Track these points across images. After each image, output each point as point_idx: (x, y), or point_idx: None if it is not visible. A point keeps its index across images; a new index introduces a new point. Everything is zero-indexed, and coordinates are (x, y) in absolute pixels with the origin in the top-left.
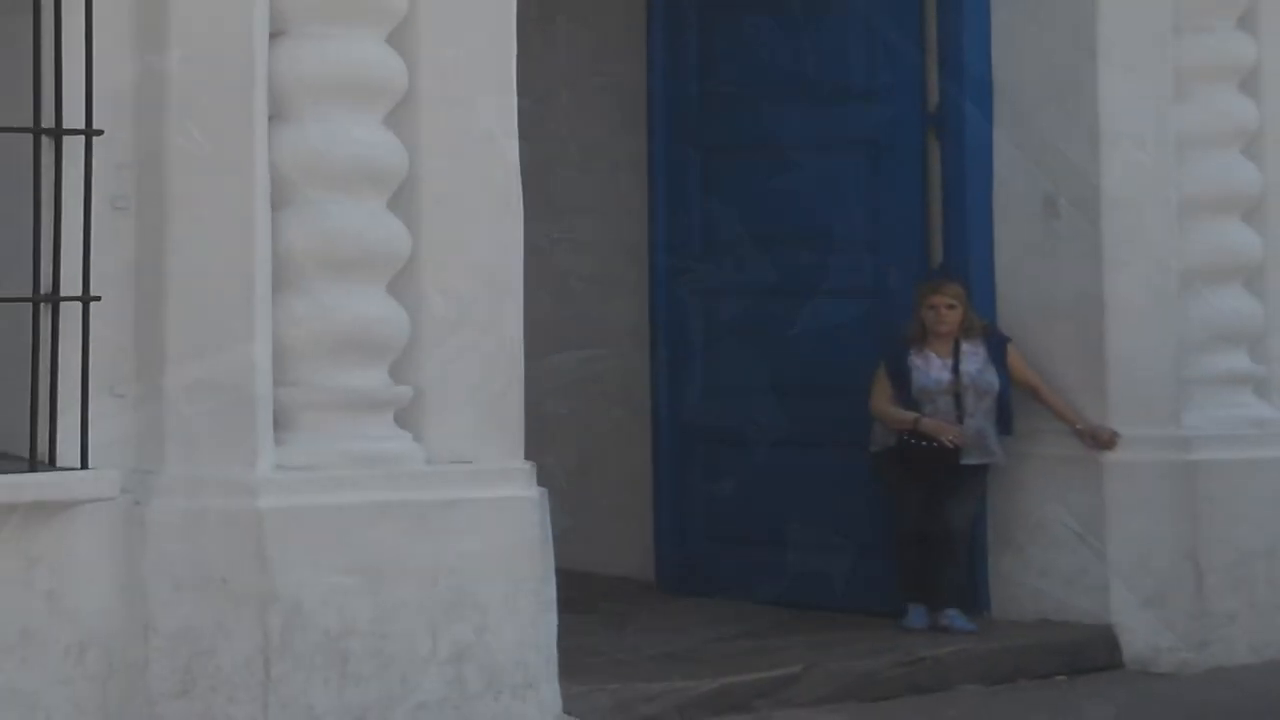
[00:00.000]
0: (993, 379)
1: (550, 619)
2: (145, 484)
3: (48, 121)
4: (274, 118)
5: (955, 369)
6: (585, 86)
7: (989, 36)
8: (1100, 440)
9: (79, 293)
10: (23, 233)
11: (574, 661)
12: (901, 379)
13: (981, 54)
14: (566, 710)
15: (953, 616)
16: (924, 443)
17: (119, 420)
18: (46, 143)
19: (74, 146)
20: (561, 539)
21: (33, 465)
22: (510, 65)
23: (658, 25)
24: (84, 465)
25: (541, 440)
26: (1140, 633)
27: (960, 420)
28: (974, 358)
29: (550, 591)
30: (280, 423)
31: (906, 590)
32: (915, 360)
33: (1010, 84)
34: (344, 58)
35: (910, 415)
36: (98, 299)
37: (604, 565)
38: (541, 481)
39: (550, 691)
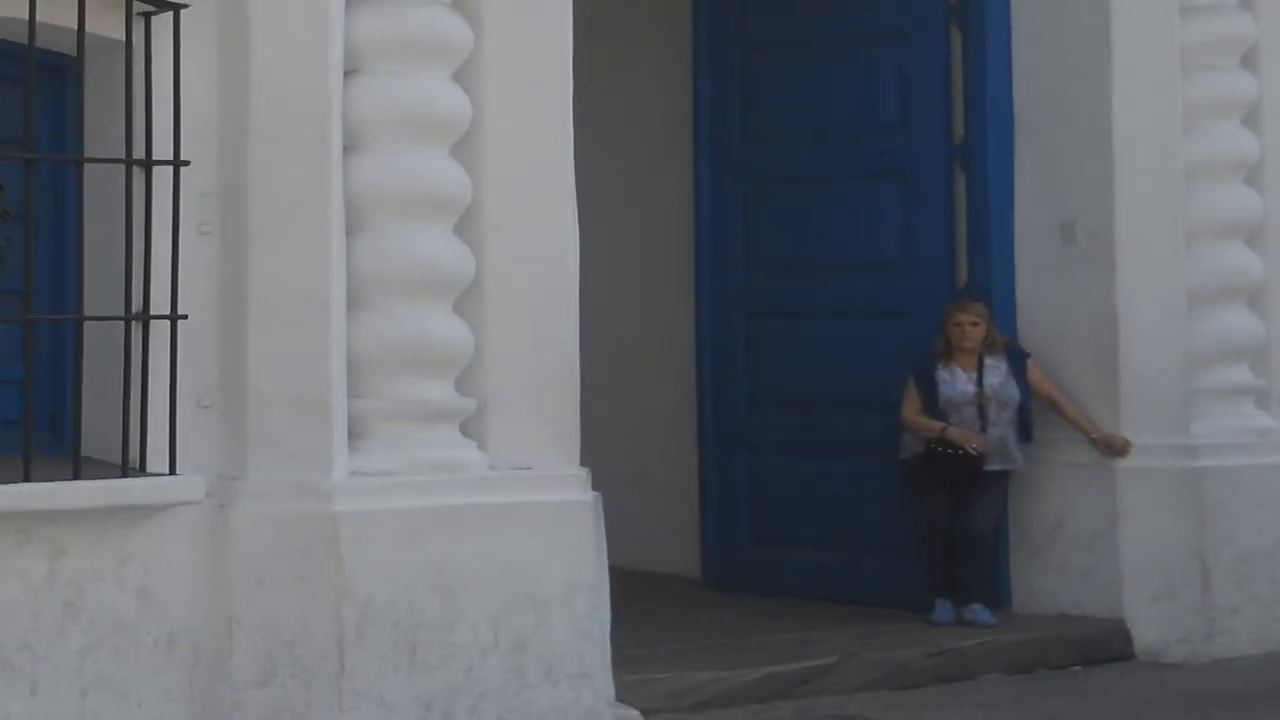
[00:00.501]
0: (1014, 391)
1: (604, 613)
2: (229, 489)
3: (139, 153)
4: (348, 149)
5: (979, 382)
6: (636, 123)
7: (1010, 75)
8: (1114, 448)
9: (168, 312)
10: (115, 256)
11: (626, 653)
12: (929, 391)
13: (1003, 91)
14: (619, 698)
15: (977, 611)
16: (950, 450)
17: (204, 429)
18: (137, 173)
19: (163, 176)
20: (614, 539)
21: (124, 471)
22: (567, 103)
23: (703, 68)
24: (172, 471)
25: (597, 448)
26: (1150, 626)
27: (984, 429)
28: (996, 371)
29: (604, 588)
30: (354, 432)
31: (934, 587)
32: (942, 374)
33: (1030, 119)
34: (413, 95)
35: (938, 425)
36: (185, 317)
37: (654, 564)
38: (596, 486)
39: (604, 681)
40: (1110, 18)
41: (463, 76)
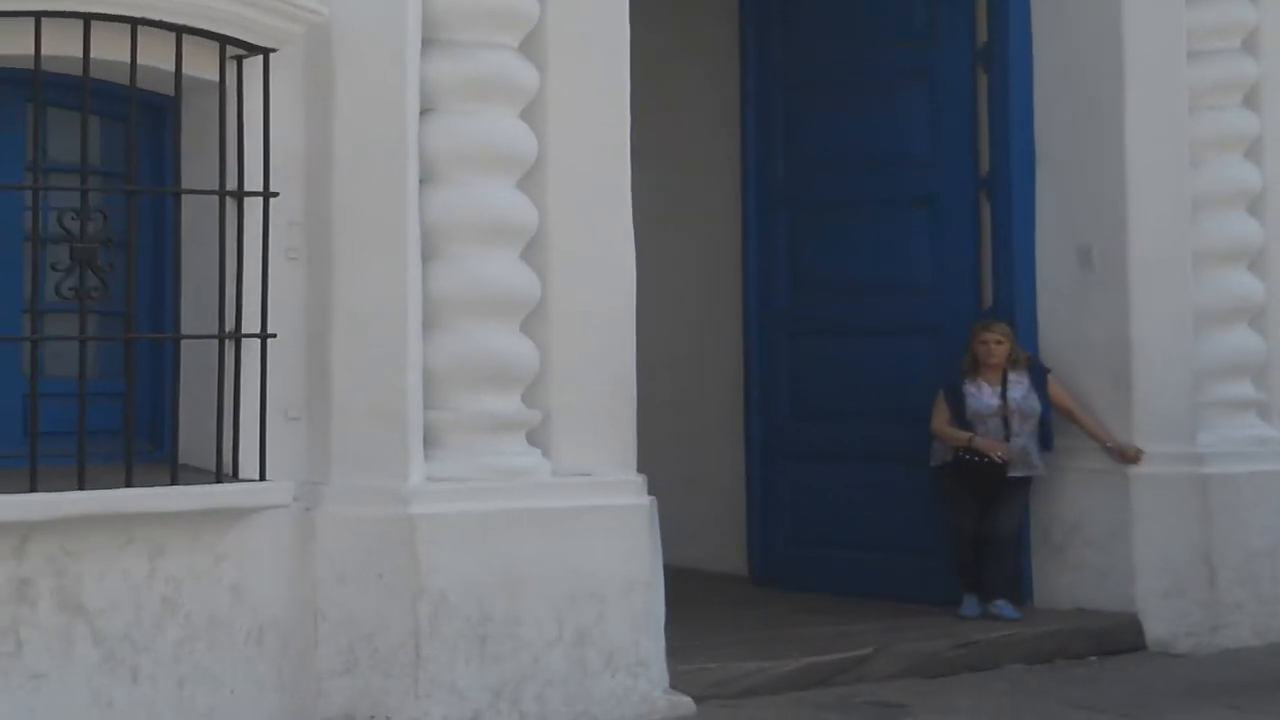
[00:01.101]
0: (1035, 404)
1: (659, 608)
2: (314, 493)
3: (231, 185)
4: (424, 182)
5: (1003, 395)
6: (688, 156)
7: (1032, 112)
8: (1127, 456)
9: (258, 331)
10: (210, 280)
11: (679, 644)
12: (957, 404)
13: (1025, 127)
14: (673, 686)
15: (1001, 606)
16: (977, 458)
17: (291, 439)
18: (230, 203)
19: (253, 206)
20: (668, 540)
21: (219, 477)
22: (624, 138)
23: (750, 105)
24: (262, 477)
25: (652, 456)
26: (1161, 620)
27: (1007, 439)
28: (1019, 386)
29: (659, 584)
30: (429, 441)
31: (962, 583)
32: (969, 388)
33: (1050, 153)
34: (484, 131)
35: (965, 435)
36: (274, 336)
37: (704, 563)
38: (651, 491)
39: (659, 670)
40: (1124, 60)
41: (529, 115)
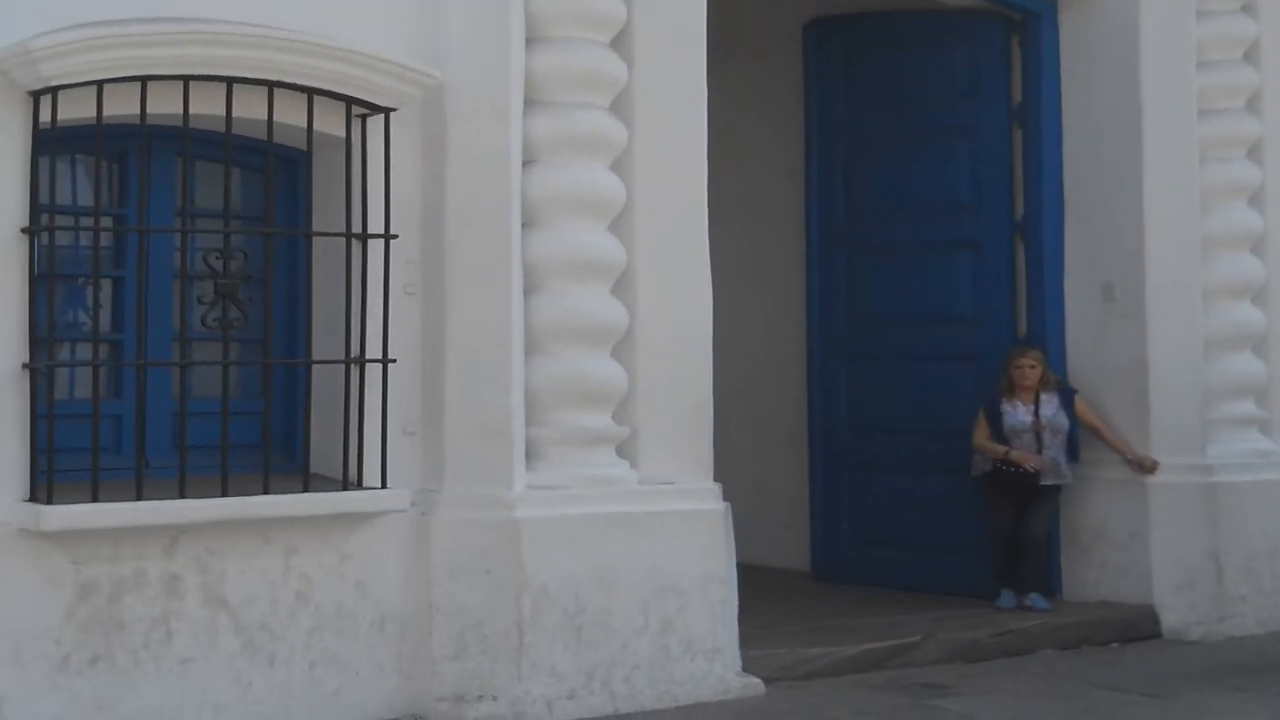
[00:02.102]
0: (1064, 421)
1: (733, 600)
2: (429, 499)
3: (356, 228)
4: (526, 226)
5: (1036, 413)
6: (760, 204)
7: (1061, 165)
8: (1144, 467)
9: (380, 356)
10: (337, 312)
11: (750, 632)
12: (996, 421)
13: (1055, 177)
14: (745, 669)
15: (1034, 599)
16: (1013, 469)
17: (409, 451)
18: (355, 244)
19: (376, 247)
20: (741, 540)
21: (345, 485)
22: (702, 187)
23: (813, 159)
24: (384, 485)
25: (726, 467)
26: (1174, 611)
27: (1040, 451)
28: (1050, 405)
29: (733, 580)
30: (530, 453)
31: (999, 579)
32: (1006, 407)
33: (1078, 201)
34: (579, 181)
35: (1002, 448)
36: (394, 361)
37: (773, 560)
38: (725, 497)
39: (733, 655)
40: (1141, 118)
41: (618, 166)
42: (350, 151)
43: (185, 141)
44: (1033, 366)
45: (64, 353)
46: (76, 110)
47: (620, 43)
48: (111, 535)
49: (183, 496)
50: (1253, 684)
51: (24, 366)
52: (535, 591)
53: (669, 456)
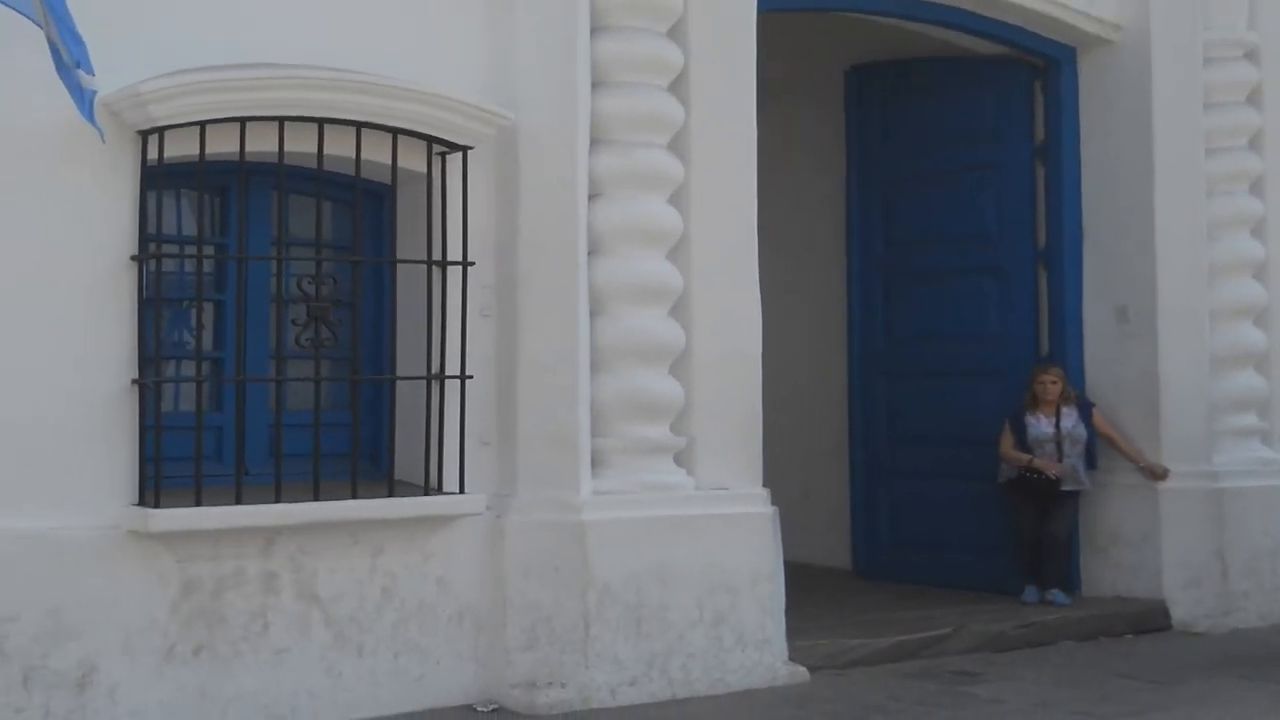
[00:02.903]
0: (1082, 432)
1: (780, 596)
2: (503, 504)
3: (437, 256)
4: (591, 254)
5: (1057, 425)
6: (805, 234)
7: (1080, 198)
8: (1156, 474)
9: (458, 373)
10: (419, 332)
11: (796, 625)
12: (1020, 432)
13: (1075, 209)
14: (792, 659)
15: (1055, 594)
16: (1036, 475)
17: (485, 460)
18: (436, 270)
19: (454, 273)
20: (788, 541)
21: (426, 490)
22: (752, 219)
23: (854, 193)
24: (461, 491)
25: (775, 474)
26: (1183, 606)
27: (1060, 460)
28: (1069, 417)
29: (780, 577)
30: (595, 462)
31: (1023, 576)
32: (1029, 419)
33: (1095, 231)
34: (640, 213)
35: (1026, 456)
36: (471, 377)
37: (817, 559)
38: (774, 502)
39: (780, 646)
40: (1154, 156)
41: (676, 199)
42: (431, 186)
43: (280, 177)
44: (1054, 382)
45: (170, 370)
46: (181, 148)
47: (678, 86)
48: (213, 536)
49: (278, 501)
50: (1256, 673)
51: (133, 382)
52: (600, 588)
53: (722, 464)
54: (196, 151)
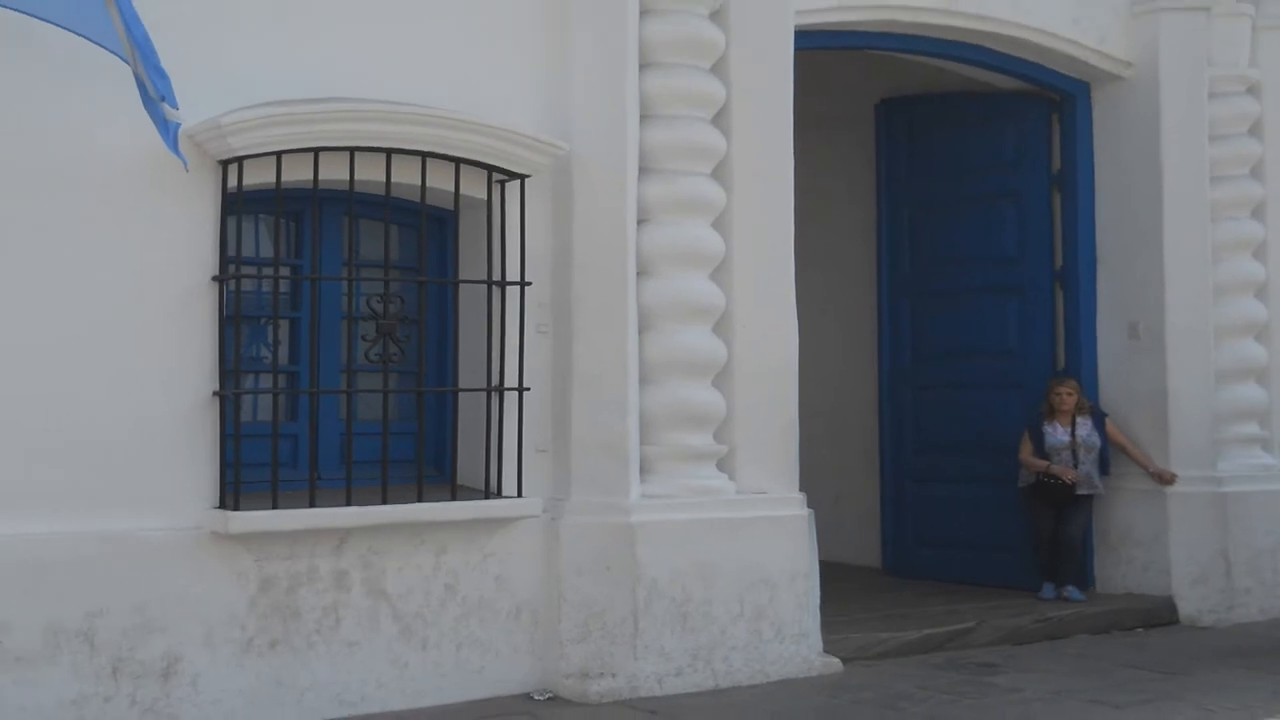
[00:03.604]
0: (1096, 440)
1: (815, 592)
2: (558, 507)
3: (496, 276)
4: (640, 275)
5: (1072, 434)
6: (838, 256)
7: (1094, 223)
8: (1164, 479)
9: (516, 385)
10: (480, 347)
11: (830, 619)
12: (1038, 440)
13: (1089, 233)
14: (826, 650)
15: (1071, 591)
16: (1053, 480)
17: (541, 466)
18: (496, 290)
19: (513, 293)
20: (822, 541)
21: (486, 494)
22: (789, 241)
23: (884, 217)
24: (519, 495)
25: (810, 479)
26: (1190, 601)
27: (1076, 466)
28: (1084, 426)
29: (815, 575)
30: (643, 468)
31: (1041, 573)
32: (1047, 428)
33: (1108, 253)
34: (685, 237)
35: (1044, 463)
36: (528, 389)
37: (849, 558)
38: (809, 505)
39: (815, 638)
40: (1162, 184)
41: (719, 224)
42: (491, 211)
43: (351, 203)
44: (1070, 394)
45: (248, 382)
46: (259, 176)
47: (720, 119)
48: (288, 537)
49: (349, 504)
50: (1258, 664)
51: (214, 394)
52: (648, 585)
53: (761, 470)
54: (273, 179)
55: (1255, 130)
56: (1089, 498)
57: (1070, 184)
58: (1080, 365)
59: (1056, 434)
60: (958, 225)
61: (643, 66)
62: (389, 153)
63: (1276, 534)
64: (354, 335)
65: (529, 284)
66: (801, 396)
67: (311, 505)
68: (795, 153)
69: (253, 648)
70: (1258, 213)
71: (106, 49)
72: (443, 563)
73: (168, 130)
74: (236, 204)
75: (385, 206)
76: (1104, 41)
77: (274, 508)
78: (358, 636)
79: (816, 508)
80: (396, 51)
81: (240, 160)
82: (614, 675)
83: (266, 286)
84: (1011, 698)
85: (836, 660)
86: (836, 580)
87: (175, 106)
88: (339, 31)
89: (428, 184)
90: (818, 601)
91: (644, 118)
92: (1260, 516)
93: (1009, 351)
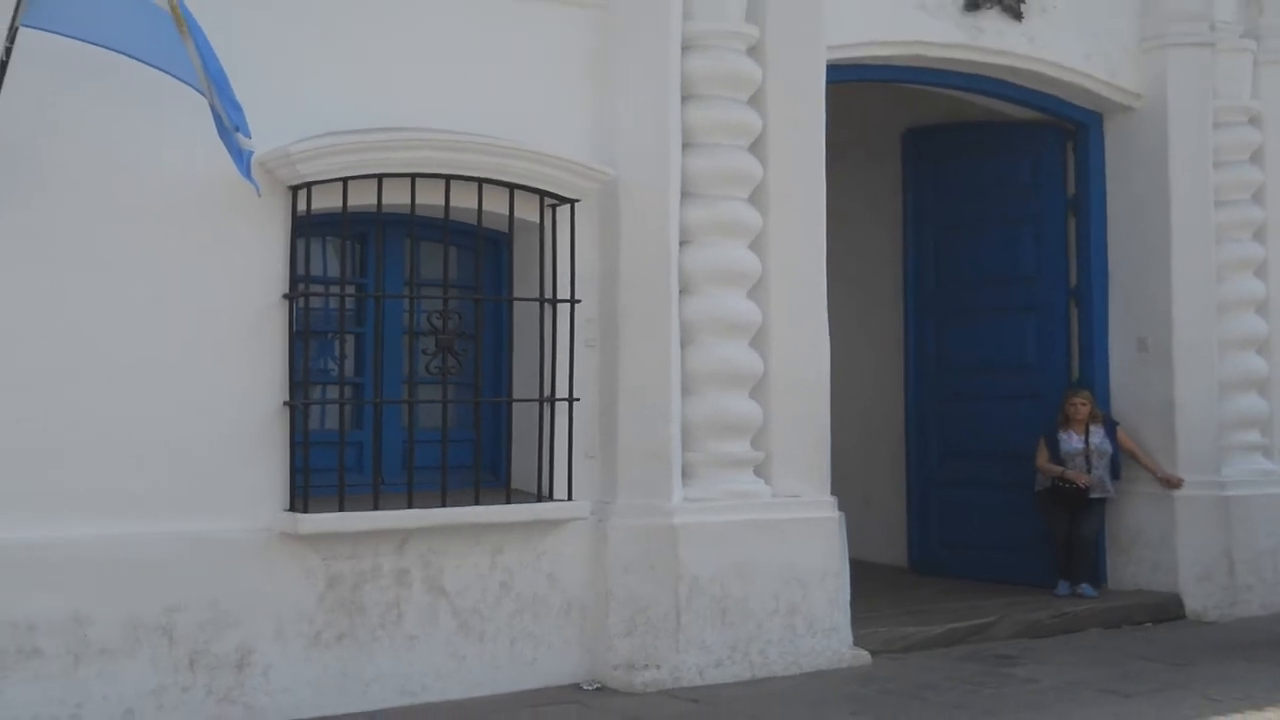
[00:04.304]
0: (1108, 447)
1: (845, 589)
2: (605, 510)
3: (548, 294)
4: (682, 292)
5: (1086, 441)
6: (868, 275)
7: (1106, 245)
8: (1172, 483)
9: (566, 396)
10: (532, 360)
11: (859, 614)
12: (1054, 447)
13: (1101, 254)
14: (856, 644)
15: (1084, 587)
16: (1068, 485)
17: (589, 472)
18: (547, 307)
19: (563, 309)
20: (852, 541)
21: (539, 498)
22: (821, 263)
23: (910, 240)
24: (569, 498)
25: (841, 483)
26: (1196, 598)
27: (1089, 471)
28: (1097, 434)
29: (845, 573)
30: (685, 473)
31: (1057, 571)
32: (1062, 436)
33: (1119, 270)
34: (724, 257)
35: (1059, 468)
36: (578, 399)
37: (877, 556)
38: (840, 507)
39: (846, 633)
40: (1170, 207)
41: (756, 245)
42: (543, 233)
43: (412, 226)
44: (1083, 404)
45: (316, 393)
46: (326, 201)
47: (757, 147)
48: (354, 538)
49: (410, 507)
50: (1259, 655)
51: (285, 404)
52: (689, 582)
53: (795, 475)
54: (340, 204)
55: (1256, 158)
56: (1101, 501)
57: (1084, 208)
58: (1093, 377)
59: (1071, 441)
60: (979, 247)
61: (685, 98)
62: (448, 179)
63: (1277, 535)
64: (415, 349)
65: (578, 301)
66: (833, 407)
67: (375, 508)
68: (827, 178)
69: (320, 641)
70: (1259, 235)
71: (185, 83)
72: (498, 561)
73: (241, 158)
74: (305, 227)
75: (444, 229)
76: (1115, 75)
77: (340, 510)
78: (418, 630)
79: (847, 510)
80: (455, 85)
81: (309, 186)
82: (658, 667)
83: (333, 304)
84: (1029, 687)
85: (865, 653)
86: (865, 578)
87: (249, 136)
88: (398, 68)
89: (484, 208)
90: (848, 598)
91: (686, 146)
92: (1261, 519)
93: (1027, 365)
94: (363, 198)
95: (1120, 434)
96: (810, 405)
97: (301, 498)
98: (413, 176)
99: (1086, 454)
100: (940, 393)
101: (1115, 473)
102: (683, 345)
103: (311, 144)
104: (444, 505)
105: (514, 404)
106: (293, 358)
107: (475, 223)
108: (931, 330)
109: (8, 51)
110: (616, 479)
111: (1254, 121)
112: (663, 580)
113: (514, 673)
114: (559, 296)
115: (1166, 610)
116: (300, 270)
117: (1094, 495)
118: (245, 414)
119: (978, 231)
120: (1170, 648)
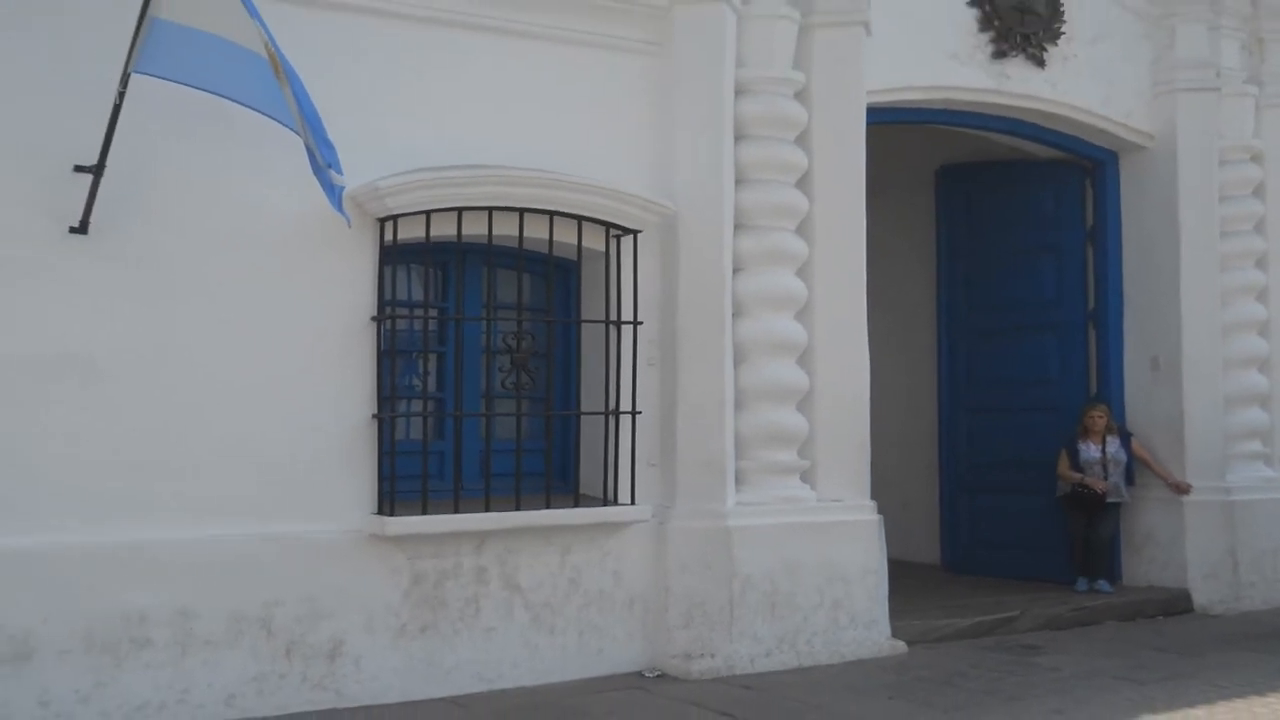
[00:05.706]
0: (1123, 456)
1: (884, 585)
2: (665, 513)
3: (613, 316)
4: (735, 315)
5: (1103, 450)
6: (904, 300)
7: (1121, 271)
8: (1182, 489)
9: (630, 409)
10: (599, 377)
11: (897, 608)
12: (1073, 456)
13: (1117, 280)
14: (893, 636)
15: (1101, 584)
16: (1086, 490)
17: (651, 479)
18: (612, 328)
19: (627, 331)
20: (891, 542)
21: (605, 502)
22: (862, 289)
23: (943, 267)
24: (633, 503)
25: (880, 489)
26: (1203, 593)
27: (1105, 478)
28: (1113, 444)
29: (884, 571)
30: (738, 480)
31: (1076, 569)
32: (1081, 445)
33: (1133, 296)
34: (773, 283)
35: (1078, 475)
36: (640, 413)
37: (913, 556)
38: (879, 511)
39: (884, 625)
40: (1179, 238)
41: (802, 272)
42: (609, 261)
43: (489, 255)
44: (1101, 416)
45: (401, 407)
46: (410, 232)
47: (803, 183)
48: (436, 539)
49: (488, 510)
50: (1262, 646)
51: (373, 416)
52: (742, 579)
53: (838, 481)
54: (423, 234)
55: (1258, 192)
56: (1117, 505)
57: (1101, 238)
58: (1109, 392)
59: (1089, 451)
60: (1005, 273)
61: (737, 138)
62: (521, 211)
63: (1277, 536)
64: (492, 367)
65: (641, 323)
66: (873, 419)
67: (456, 512)
68: (866, 212)
69: (406, 633)
70: (1261, 263)
71: (282, 124)
72: (567, 560)
73: (333, 193)
74: (392, 255)
75: (519, 257)
76: (1130, 117)
77: (424, 514)
78: (495, 623)
79: (885, 513)
80: (528, 124)
81: (395, 218)
82: (713, 656)
83: (417, 326)
84: (1051, 675)
85: (902, 643)
86: (902, 575)
87: (340, 173)
88: (476, 111)
89: (554, 238)
90: (886, 593)
91: (738, 182)
92: (1263, 521)
93: (1049, 381)
94: (444, 229)
95: (1134, 444)
96: (852, 418)
97: (388, 502)
98: (490, 209)
99: (1104, 462)
100: (970, 406)
101: (1130, 479)
102: (736, 363)
103: (397, 180)
104: (518, 509)
105: (582, 417)
106: (380, 375)
107: (547, 251)
108: (962, 349)
109: (121, 96)
110: (675, 485)
111: (1256, 159)
112: (718, 577)
113: (582, 661)
114: (623, 319)
115: (1176, 605)
116: (387, 295)
117: (1110, 500)
118: (338, 427)
119: (1004, 259)
120: (1180, 639)
